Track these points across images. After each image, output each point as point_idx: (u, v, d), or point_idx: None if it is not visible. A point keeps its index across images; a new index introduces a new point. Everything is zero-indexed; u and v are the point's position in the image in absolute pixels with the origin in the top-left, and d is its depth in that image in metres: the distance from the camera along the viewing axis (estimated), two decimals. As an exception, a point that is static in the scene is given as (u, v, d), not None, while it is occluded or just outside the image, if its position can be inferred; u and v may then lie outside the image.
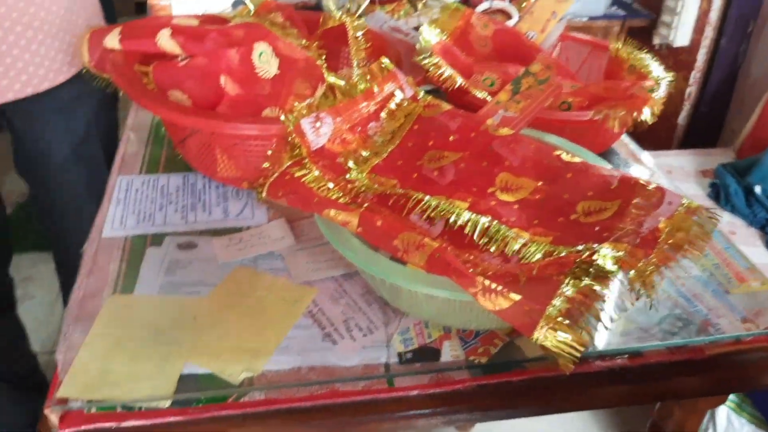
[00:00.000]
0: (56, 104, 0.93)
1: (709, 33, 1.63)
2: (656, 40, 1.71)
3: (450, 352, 0.55)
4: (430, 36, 0.77)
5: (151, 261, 0.63)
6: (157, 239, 0.66)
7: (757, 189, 1.32)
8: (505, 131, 0.62)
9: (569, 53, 0.90)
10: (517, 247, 0.50)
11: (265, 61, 0.67)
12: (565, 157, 0.60)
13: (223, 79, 0.65)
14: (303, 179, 0.57)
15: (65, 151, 0.96)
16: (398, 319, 0.58)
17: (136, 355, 0.53)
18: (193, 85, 0.66)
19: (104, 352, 0.53)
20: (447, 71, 0.73)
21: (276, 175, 0.58)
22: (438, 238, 0.53)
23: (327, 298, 0.60)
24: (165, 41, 0.68)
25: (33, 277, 1.67)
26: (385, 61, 0.66)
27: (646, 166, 0.82)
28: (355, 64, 0.81)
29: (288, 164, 0.59)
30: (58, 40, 0.90)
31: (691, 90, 1.72)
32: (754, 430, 1.08)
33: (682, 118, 1.77)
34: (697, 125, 1.77)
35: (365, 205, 0.55)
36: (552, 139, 0.68)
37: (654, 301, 0.60)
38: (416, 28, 1.03)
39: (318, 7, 1.07)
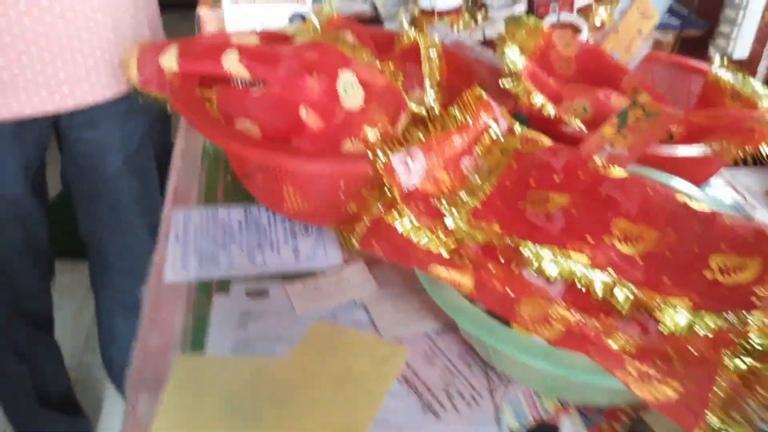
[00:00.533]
0: (114, 114, 0.89)
1: (769, 44, 1.55)
2: (712, 52, 1.63)
3: (571, 429, 0.48)
4: (515, 57, 0.70)
5: (220, 313, 0.56)
6: (224, 286, 0.59)
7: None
8: (617, 171, 0.55)
9: (654, 75, 0.83)
10: (668, 320, 0.43)
11: (351, 92, 0.60)
12: (691, 203, 0.53)
13: (304, 112, 0.59)
14: (398, 228, 0.50)
15: (118, 162, 0.92)
16: (503, 386, 0.51)
17: None
18: (266, 115, 0.60)
19: (179, 427, 0.47)
20: (538, 99, 0.66)
21: (368, 221, 0.51)
22: (560, 300, 0.46)
23: (420, 359, 0.53)
24: (234, 66, 0.61)
25: (54, 286, 1.62)
26: (479, 89, 0.59)
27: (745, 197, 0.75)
28: (427, 86, 0.74)
29: (379, 209, 0.52)
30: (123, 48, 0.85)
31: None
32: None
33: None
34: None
35: (470, 259, 0.49)
36: (655, 174, 0.62)
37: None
38: (483, 43, 0.97)
39: (377, 20, 1.00)
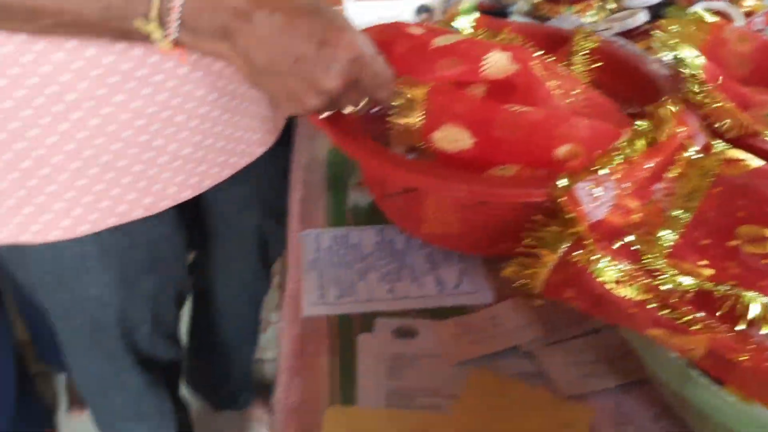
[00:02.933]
0: (254, 165, 0.73)
1: None
2: None
3: None
4: (693, 57, 0.60)
5: (367, 357, 0.50)
6: (367, 323, 0.53)
7: None
8: None
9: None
10: None
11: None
12: None
13: (564, 150, 0.50)
14: (592, 273, 0.42)
15: (257, 211, 0.88)
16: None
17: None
18: (516, 144, 0.51)
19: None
20: (727, 107, 0.56)
21: (552, 262, 0.43)
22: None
23: (607, 423, 0.45)
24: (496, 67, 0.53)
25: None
26: (672, 102, 0.50)
27: None
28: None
29: (565, 247, 0.44)
30: (257, 104, 0.70)
31: None
32: None
33: None
34: None
35: (686, 316, 0.40)
36: None
37: None
38: (620, 35, 0.86)
39: (499, 10, 0.91)
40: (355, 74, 0.49)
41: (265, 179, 0.85)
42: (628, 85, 0.64)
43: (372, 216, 0.64)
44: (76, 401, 1.42)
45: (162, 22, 0.48)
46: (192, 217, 0.83)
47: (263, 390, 1.38)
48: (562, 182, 0.46)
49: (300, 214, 0.65)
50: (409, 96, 0.52)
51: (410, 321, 0.53)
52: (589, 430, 0.44)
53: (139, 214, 0.64)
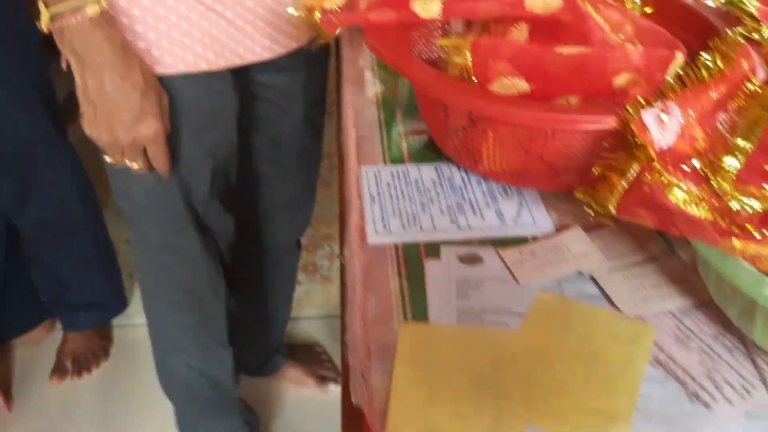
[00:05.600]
0: (296, 63, 0.87)
1: None
2: None
3: None
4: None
5: (435, 279, 0.52)
6: (433, 250, 0.55)
7: None
8: None
9: None
10: None
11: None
12: None
13: (623, 79, 0.51)
14: (664, 192, 0.44)
15: (300, 113, 0.93)
16: (776, 375, 0.45)
17: (462, 408, 0.43)
18: (572, 79, 0.53)
19: (421, 402, 0.43)
20: (786, 43, 0.57)
21: (625, 184, 0.45)
22: None
23: (671, 340, 0.47)
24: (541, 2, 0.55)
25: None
26: (732, 32, 0.51)
27: None
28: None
29: (637, 170, 0.46)
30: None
31: None
32: None
33: None
34: None
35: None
36: None
37: None
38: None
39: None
40: None
41: (308, 83, 0.94)
42: (682, 26, 0.65)
43: (427, 154, 0.66)
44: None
45: None
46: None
47: (294, 352, 1.41)
48: (631, 109, 0.47)
49: (356, 153, 0.67)
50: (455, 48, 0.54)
51: (475, 249, 0.55)
52: (652, 345, 0.47)
53: (220, 64, 0.77)
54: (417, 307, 0.50)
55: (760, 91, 0.51)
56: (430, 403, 0.43)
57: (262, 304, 1.20)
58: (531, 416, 0.42)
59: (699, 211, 0.43)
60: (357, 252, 0.56)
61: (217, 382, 1.05)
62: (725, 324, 0.47)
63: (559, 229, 0.57)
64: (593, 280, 0.52)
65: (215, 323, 1.00)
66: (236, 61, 0.79)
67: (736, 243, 0.40)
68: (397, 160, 0.66)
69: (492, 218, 0.58)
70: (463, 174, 0.63)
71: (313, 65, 0.93)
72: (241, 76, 0.86)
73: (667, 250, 0.54)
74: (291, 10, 0.66)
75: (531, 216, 0.58)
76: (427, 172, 0.64)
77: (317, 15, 0.64)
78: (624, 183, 0.45)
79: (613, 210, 0.46)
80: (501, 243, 0.56)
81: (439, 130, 0.63)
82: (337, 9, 0.65)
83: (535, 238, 0.56)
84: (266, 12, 0.78)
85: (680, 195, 0.44)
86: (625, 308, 0.49)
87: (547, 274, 0.53)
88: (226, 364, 1.04)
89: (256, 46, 0.79)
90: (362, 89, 0.78)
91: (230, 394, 1.09)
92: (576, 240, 0.55)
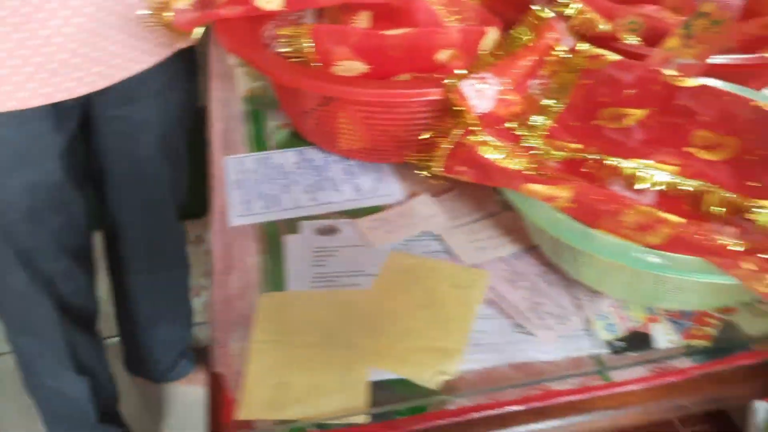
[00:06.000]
0: (149, 90, 0.83)
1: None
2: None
3: (665, 336, 0.48)
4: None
5: (293, 251, 0.56)
6: (292, 226, 0.59)
7: None
8: (691, 81, 0.54)
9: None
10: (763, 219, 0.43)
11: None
12: (764, 106, 0.53)
13: (445, 54, 0.56)
14: (480, 150, 0.50)
15: (153, 142, 0.89)
16: (589, 301, 0.51)
17: (312, 364, 0.47)
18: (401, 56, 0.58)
19: (275, 362, 0.47)
20: (591, 16, 0.64)
21: (449, 146, 0.50)
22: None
23: (502, 282, 0.53)
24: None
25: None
26: (540, 7, 0.58)
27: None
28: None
29: (459, 133, 0.51)
30: (135, 23, 0.76)
31: None
32: None
33: None
34: None
35: (557, 175, 0.48)
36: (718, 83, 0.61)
37: None
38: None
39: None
40: None
41: (161, 110, 0.89)
42: (515, 6, 0.72)
43: (295, 142, 0.69)
44: None
45: None
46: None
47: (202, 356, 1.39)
48: (451, 80, 0.53)
49: (221, 143, 0.70)
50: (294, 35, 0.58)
51: (333, 221, 0.59)
52: (487, 287, 0.52)
53: (12, 105, 0.71)
54: (276, 280, 0.53)
55: (570, 56, 0.58)
56: (284, 362, 0.47)
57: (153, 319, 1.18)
58: (375, 361, 0.46)
59: (511, 163, 0.49)
60: (219, 233, 0.58)
61: (73, 403, 1.05)
62: (548, 264, 0.54)
63: (411, 197, 0.62)
64: (437, 237, 0.57)
65: (60, 351, 0.99)
66: (57, 97, 0.74)
67: (535, 186, 0.45)
68: (264, 149, 0.69)
69: (350, 192, 0.63)
70: (325, 155, 0.67)
71: (173, 88, 0.89)
72: (81, 112, 0.83)
73: (503, 207, 0.60)
74: (141, 12, 0.67)
75: (386, 187, 0.63)
76: (290, 156, 0.67)
77: (168, 14, 0.66)
78: (448, 145, 0.51)
79: (439, 170, 0.51)
80: (357, 213, 0.60)
81: (296, 117, 0.67)
82: (189, 7, 0.67)
83: (389, 207, 0.61)
84: (100, 40, 0.74)
85: (494, 152, 0.49)
86: (465, 259, 0.55)
87: (397, 237, 0.57)
88: (80, 386, 1.03)
89: (88, 77, 0.75)
90: (230, 84, 0.80)
91: (88, 416, 1.08)
92: (424, 204, 0.60)
